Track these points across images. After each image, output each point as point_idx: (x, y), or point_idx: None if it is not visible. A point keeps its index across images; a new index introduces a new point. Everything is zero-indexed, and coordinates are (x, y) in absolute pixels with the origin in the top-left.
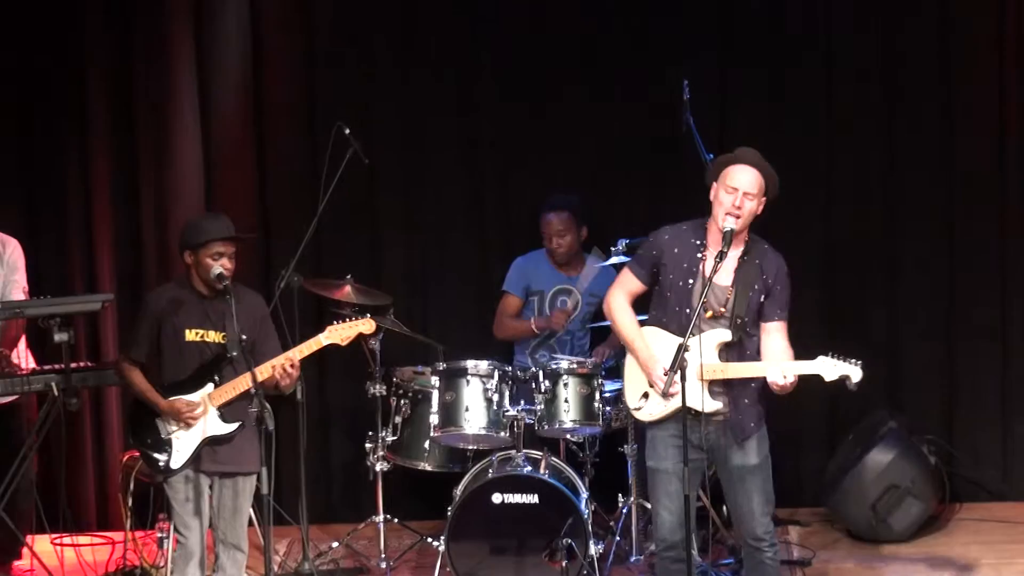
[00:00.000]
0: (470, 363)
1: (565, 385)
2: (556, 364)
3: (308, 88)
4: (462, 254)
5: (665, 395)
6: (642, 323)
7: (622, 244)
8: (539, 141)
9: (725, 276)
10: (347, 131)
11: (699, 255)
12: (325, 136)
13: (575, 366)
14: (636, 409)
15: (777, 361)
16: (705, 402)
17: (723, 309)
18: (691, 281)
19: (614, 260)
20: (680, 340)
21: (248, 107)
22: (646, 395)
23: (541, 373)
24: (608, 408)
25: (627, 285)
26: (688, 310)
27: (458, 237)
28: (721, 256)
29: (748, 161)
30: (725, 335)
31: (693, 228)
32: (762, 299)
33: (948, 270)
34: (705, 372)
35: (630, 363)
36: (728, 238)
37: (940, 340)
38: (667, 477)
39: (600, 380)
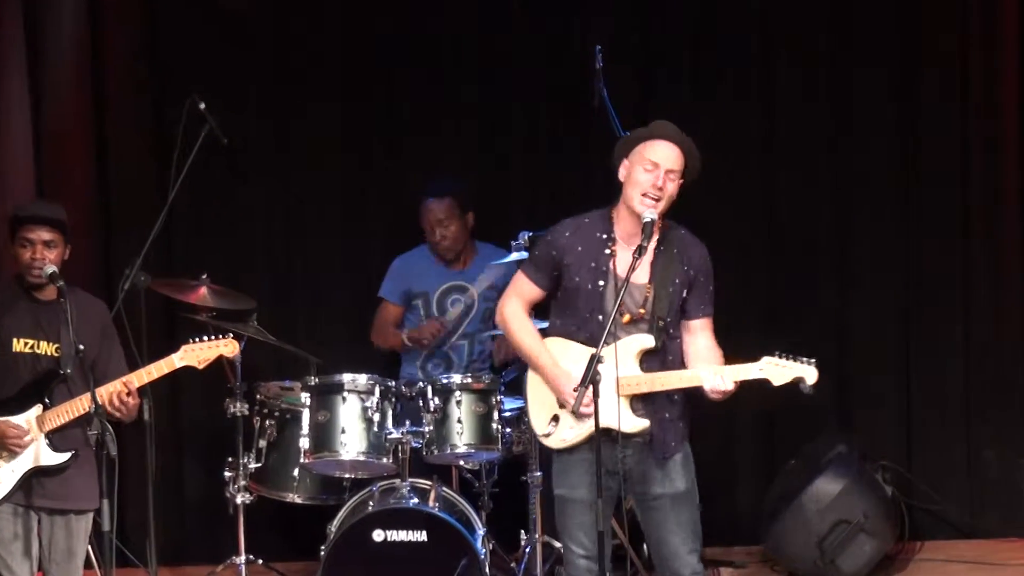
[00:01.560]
0: (347, 377)
1: (458, 403)
2: (448, 378)
3: (157, 67)
4: (338, 251)
5: (578, 414)
6: (543, 332)
7: (524, 237)
8: (428, 123)
9: (641, 272)
10: (202, 105)
11: (607, 251)
12: (175, 119)
13: (469, 380)
14: (545, 436)
15: (709, 364)
16: (626, 421)
17: (642, 311)
18: (601, 283)
19: (515, 256)
20: (592, 351)
21: (86, 86)
22: (556, 418)
23: (430, 389)
24: (508, 430)
25: (522, 291)
26: (601, 316)
27: (334, 231)
28: (640, 251)
29: (669, 136)
30: (647, 341)
31: (597, 220)
32: (684, 294)
33: (906, 268)
34: (624, 386)
35: (534, 382)
36: (648, 230)
37: (899, 348)
38: (580, 507)
39: (498, 397)
